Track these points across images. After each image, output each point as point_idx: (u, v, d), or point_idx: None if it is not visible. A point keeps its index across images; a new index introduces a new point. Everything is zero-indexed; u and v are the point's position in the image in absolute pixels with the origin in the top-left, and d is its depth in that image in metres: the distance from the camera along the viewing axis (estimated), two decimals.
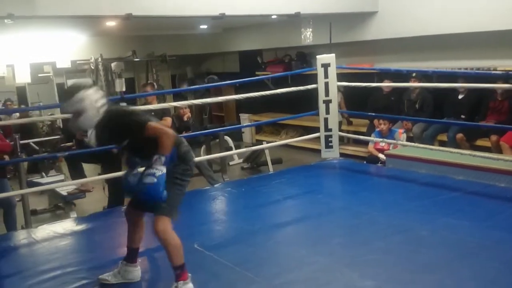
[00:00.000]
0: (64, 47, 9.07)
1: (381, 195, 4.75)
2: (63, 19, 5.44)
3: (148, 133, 2.73)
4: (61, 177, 6.55)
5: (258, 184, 5.50)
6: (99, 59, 9.20)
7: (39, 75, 9.46)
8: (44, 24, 6.45)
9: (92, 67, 9.36)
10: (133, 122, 2.79)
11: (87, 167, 5.70)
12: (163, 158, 2.70)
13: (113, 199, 5.49)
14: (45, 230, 4.29)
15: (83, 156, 5.34)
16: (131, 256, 3.12)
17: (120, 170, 5.59)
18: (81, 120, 2.82)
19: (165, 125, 5.51)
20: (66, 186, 5.65)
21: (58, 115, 8.08)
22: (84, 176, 5.42)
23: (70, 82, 9.52)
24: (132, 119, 2.82)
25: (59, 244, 3.99)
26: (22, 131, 6.52)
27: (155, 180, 2.65)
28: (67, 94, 2.90)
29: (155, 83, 7.54)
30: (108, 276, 3.11)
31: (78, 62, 9.47)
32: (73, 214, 5.37)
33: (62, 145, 6.81)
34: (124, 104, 5.01)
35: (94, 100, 2.80)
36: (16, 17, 4.61)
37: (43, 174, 7.20)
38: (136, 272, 3.14)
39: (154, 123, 2.78)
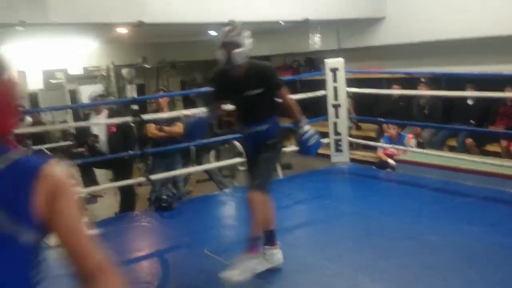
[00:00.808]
0: (76, 54, 9.19)
1: (391, 201, 4.76)
2: (75, 26, 5.53)
3: (279, 93, 3.12)
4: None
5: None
6: (111, 66, 9.31)
7: (51, 81, 9.59)
8: (57, 31, 6.54)
9: (104, 74, 9.47)
10: (278, 78, 3.19)
11: (98, 172, 5.77)
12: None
13: (124, 205, 5.55)
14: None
15: (94, 162, 5.41)
16: (270, 239, 3.20)
17: (131, 176, 5.66)
18: (235, 53, 2.94)
19: (177, 131, 5.61)
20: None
21: (71, 123, 8.21)
22: (96, 182, 5.49)
23: (81, 88, 9.66)
24: (277, 75, 3.20)
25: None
26: (35, 137, 6.60)
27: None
28: (235, 25, 3.08)
29: (165, 89, 7.61)
30: (257, 265, 3.08)
31: (90, 68, 9.59)
32: (85, 220, 5.42)
33: (74, 151, 6.88)
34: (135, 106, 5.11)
35: (248, 42, 3.02)
36: (28, 24, 4.69)
37: None
38: (280, 253, 3.24)
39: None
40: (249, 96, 3.05)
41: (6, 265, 1.07)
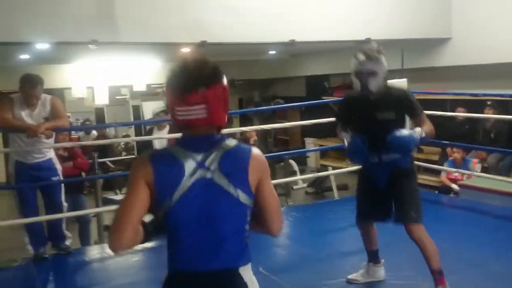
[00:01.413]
0: (140, 71, 9.54)
1: (454, 227, 4.55)
2: (143, 45, 5.75)
3: (418, 120, 2.97)
4: None
5: (323, 209, 5.45)
6: None
7: (116, 97, 10.00)
8: (123, 50, 6.83)
9: (165, 91, 9.77)
10: (417, 103, 2.98)
11: None
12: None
13: None
14: None
15: None
16: (373, 258, 3.32)
17: None
18: (371, 82, 2.88)
19: None
20: None
21: (133, 137, 8.50)
22: None
23: (144, 104, 10.00)
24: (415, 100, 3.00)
25: (131, 260, 4.13)
26: (100, 150, 6.88)
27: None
28: (370, 51, 2.91)
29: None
30: (357, 276, 3.35)
31: (153, 85, 9.91)
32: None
33: None
34: None
35: (385, 66, 2.92)
36: (100, 43, 4.93)
37: (117, 191, 7.54)
38: (382, 271, 3.35)
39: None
40: (382, 121, 2.90)
41: (234, 218, 1.57)
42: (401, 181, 2.98)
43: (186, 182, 1.53)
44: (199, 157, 1.55)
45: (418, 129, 2.86)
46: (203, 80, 1.55)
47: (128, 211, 1.54)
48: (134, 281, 3.70)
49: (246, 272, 1.63)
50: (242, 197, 1.56)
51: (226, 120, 1.63)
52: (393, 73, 7.16)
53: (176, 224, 1.56)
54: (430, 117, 5.93)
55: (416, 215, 2.92)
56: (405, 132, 2.84)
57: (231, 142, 1.59)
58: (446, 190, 6.18)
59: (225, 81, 1.60)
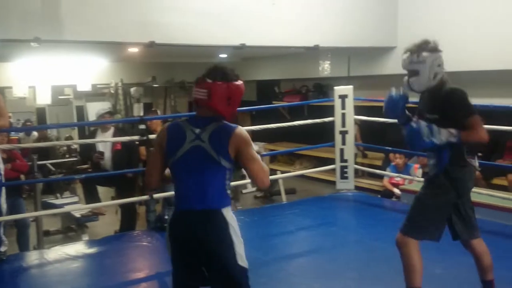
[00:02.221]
0: (85, 71, 9.26)
1: (396, 231, 4.67)
2: (88, 44, 5.58)
3: (466, 122, 2.64)
4: (75, 199, 6.60)
5: (271, 213, 5.47)
6: (119, 84, 9.36)
7: (59, 97, 9.66)
8: (68, 48, 6.61)
9: (112, 92, 9.52)
10: (467, 105, 2.67)
11: (100, 190, 5.73)
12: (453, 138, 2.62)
13: (125, 223, 5.50)
14: (57, 252, 4.30)
15: (98, 179, 5.38)
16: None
17: (133, 195, 5.62)
18: (412, 81, 2.75)
19: None
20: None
21: (76, 140, 8.23)
22: (99, 199, 5.45)
23: (89, 105, 9.71)
24: (466, 101, 2.66)
25: (70, 266, 3.99)
26: (40, 152, 6.60)
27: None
28: (416, 48, 2.74)
29: (158, 111, 7.53)
30: None
31: (98, 86, 9.64)
32: (85, 237, 5.38)
33: (78, 167, 6.88)
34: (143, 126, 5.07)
35: (435, 64, 2.71)
36: (43, 41, 4.73)
37: (58, 195, 7.26)
38: None
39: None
40: (430, 120, 2.71)
41: (215, 175, 2.24)
42: (421, 189, 2.83)
43: (186, 146, 2.25)
44: (198, 130, 2.26)
45: (444, 130, 2.62)
46: (213, 75, 2.30)
47: (153, 161, 2.41)
48: (73, 287, 3.56)
49: (227, 212, 2.26)
50: (223, 161, 2.22)
51: (228, 113, 2.29)
52: (340, 80, 7.35)
53: (176, 175, 2.30)
54: (375, 123, 6.17)
55: (408, 228, 2.76)
56: (419, 127, 2.67)
57: (221, 123, 2.27)
58: (388, 194, 6.36)
59: (235, 83, 2.33)
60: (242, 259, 2.26)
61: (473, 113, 2.66)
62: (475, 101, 2.72)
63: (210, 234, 2.21)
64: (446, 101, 2.69)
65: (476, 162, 2.83)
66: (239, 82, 2.35)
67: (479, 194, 4.85)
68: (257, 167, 2.25)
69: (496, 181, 6.33)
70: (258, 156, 2.28)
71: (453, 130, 2.62)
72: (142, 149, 5.43)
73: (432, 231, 2.75)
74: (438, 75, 2.72)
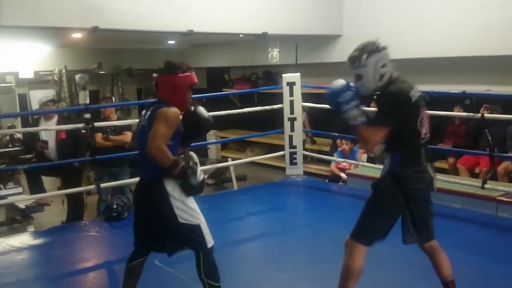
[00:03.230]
0: (27, 58, 8.88)
1: (342, 213, 4.82)
2: (28, 30, 5.35)
3: (372, 123, 2.61)
4: (20, 189, 6.36)
5: (222, 200, 5.51)
6: (63, 71, 9.04)
7: (1, 85, 9.22)
8: (8, 34, 6.31)
9: (56, 79, 9.18)
10: (383, 110, 2.63)
11: (45, 180, 5.56)
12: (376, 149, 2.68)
13: (72, 213, 5.38)
14: (1, 244, 4.18)
15: (42, 169, 5.22)
16: None
17: (80, 184, 5.49)
18: (357, 85, 2.70)
19: (125, 140, 5.51)
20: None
21: (19, 128, 7.90)
22: (44, 190, 5.29)
23: (32, 93, 9.33)
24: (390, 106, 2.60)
25: (15, 258, 3.89)
26: None
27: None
28: (357, 53, 2.69)
29: (113, 97, 7.35)
30: None
31: (41, 73, 9.28)
32: (31, 228, 5.22)
33: (21, 157, 6.62)
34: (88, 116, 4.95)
35: (378, 66, 2.64)
36: None
37: (1, 186, 6.97)
38: None
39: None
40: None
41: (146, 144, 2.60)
42: (371, 193, 2.79)
43: (140, 123, 2.78)
44: (144, 112, 2.77)
45: (359, 111, 2.65)
46: (159, 71, 2.80)
47: None
48: (19, 280, 3.47)
49: (167, 182, 2.65)
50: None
51: (176, 101, 2.70)
52: (288, 68, 7.43)
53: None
54: (323, 110, 6.30)
55: (356, 233, 2.71)
56: (340, 85, 2.69)
57: (158, 105, 2.68)
58: (336, 178, 6.54)
59: (176, 76, 2.72)
60: (182, 217, 2.65)
61: (381, 122, 2.62)
62: (418, 87, 2.77)
63: (149, 199, 2.67)
64: (379, 101, 2.75)
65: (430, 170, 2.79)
66: (184, 74, 2.73)
67: None
68: (151, 137, 2.57)
69: (437, 164, 6.63)
70: (163, 134, 2.57)
71: (363, 118, 2.63)
72: (98, 136, 5.31)
73: (378, 234, 2.71)
74: (385, 76, 2.67)
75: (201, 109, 2.91)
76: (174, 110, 2.63)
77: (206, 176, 8.00)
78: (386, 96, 2.66)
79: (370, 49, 2.69)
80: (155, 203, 2.65)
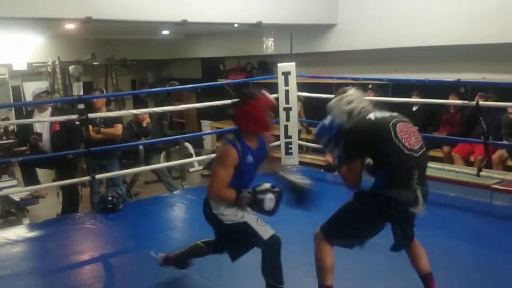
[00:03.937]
0: (20, 49, 8.82)
1: (337, 203, 4.79)
2: (21, 21, 5.30)
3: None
4: (14, 182, 6.33)
5: None
6: (57, 62, 8.98)
7: None
8: (0, 26, 6.25)
9: (49, 70, 9.12)
10: (344, 148, 2.77)
11: (40, 172, 5.54)
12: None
13: (67, 206, 5.36)
14: None
15: (37, 161, 5.20)
16: (427, 285, 2.83)
17: (74, 176, 5.47)
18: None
19: (115, 133, 5.49)
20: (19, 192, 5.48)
21: (12, 120, 7.85)
22: (38, 182, 5.27)
23: (25, 85, 9.27)
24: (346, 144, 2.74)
25: (11, 251, 3.88)
26: None
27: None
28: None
29: (104, 89, 7.28)
30: None
31: (34, 64, 9.21)
32: (26, 221, 5.20)
33: (16, 149, 6.59)
34: None
35: (342, 105, 2.84)
36: None
37: None
38: None
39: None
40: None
41: None
42: (353, 199, 2.85)
43: None
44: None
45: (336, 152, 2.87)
46: (233, 105, 3.02)
47: None
48: (14, 272, 3.47)
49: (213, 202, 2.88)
50: None
51: (252, 127, 2.85)
52: (283, 57, 7.40)
53: None
54: (318, 99, 6.29)
55: (327, 229, 2.81)
56: (319, 129, 2.97)
57: (226, 138, 2.89)
58: (331, 168, 6.54)
59: (248, 104, 2.81)
60: (227, 220, 2.83)
61: (346, 159, 2.75)
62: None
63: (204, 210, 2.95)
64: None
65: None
66: (257, 101, 2.80)
67: None
68: (213, 181, 2.74)
69: (432, 153, 6.64)
70: (219, 174, 2.71)
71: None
72: (90, 129, 5.28)
73: (348, 243, 2.81)
74: (354, 111, 2.78)
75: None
76: (226, 148, 2.72)
77: (201, 167, 8.03)
78: (344, 131, 2.76)
79: (337, 96, 2.95)
80: (206, 217, 2.93)
